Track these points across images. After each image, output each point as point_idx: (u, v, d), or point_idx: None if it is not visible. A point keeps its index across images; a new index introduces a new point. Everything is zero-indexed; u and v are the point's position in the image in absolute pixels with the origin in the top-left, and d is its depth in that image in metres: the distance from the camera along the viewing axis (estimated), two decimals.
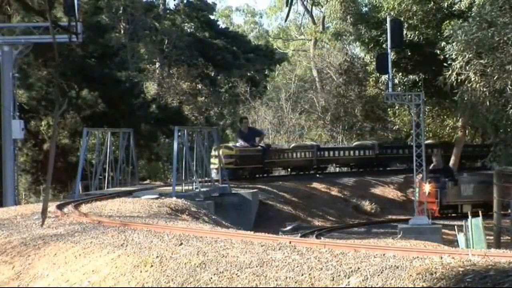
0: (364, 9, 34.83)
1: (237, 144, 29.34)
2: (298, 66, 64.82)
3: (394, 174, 36.46)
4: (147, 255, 8.68)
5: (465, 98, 27.22)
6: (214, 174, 24.81)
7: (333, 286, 6.48)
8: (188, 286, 7.44)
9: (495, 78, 25.41)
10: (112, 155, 25.05)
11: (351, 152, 36.93)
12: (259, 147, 29.76)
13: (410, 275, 6.23)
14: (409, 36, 30.54)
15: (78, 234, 11.45)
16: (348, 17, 33.39)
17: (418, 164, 25.96)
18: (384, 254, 7.77)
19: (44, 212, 12.03)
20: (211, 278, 7.35)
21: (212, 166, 24.87)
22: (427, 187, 26.61)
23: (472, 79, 25.85)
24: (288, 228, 24.61)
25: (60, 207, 15.66)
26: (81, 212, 14.87)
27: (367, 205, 30.88)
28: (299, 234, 21.23)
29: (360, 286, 6.33)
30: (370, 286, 6.26)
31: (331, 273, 6.71)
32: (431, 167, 28.02)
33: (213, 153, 25.39)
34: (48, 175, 12.38)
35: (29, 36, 27.54)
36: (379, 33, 31.83)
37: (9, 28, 28.98)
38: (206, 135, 24.04)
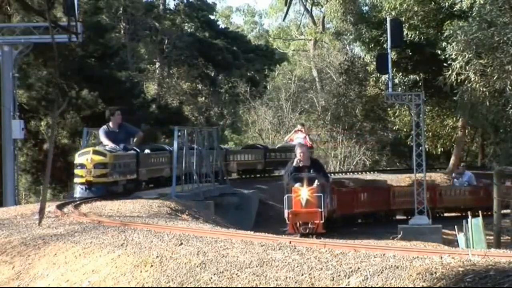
0: (365, 8, 34.85)
1: (107, 147, 18.51)
2: (298, 66, 64.83)
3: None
4: (147, 255, 8.68)
5: (465, 98, 27.23)
6: (79, 193, 17.57)
7: (333, 286, 6.48)
8: (188, 286, 7.44)
9: (495, 78, 25.42)
10: None
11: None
12: (132, 151, 19.58)
13: (410, 275, 6.24)
14: (409, 36, 30.55)
15: (78, 234, 11.45)
16: (349, 17, 33.41)
17: (418, 164, 25.96)
18: (384, 254, 7.77)
19: (41, 212, 12.06)
20: (211, 278, 7.35)
21: (77, 180, 17.69)
22: (304, 193, 16.03)
23: (472, 79, 25.85)
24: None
25: (60, 207, 15.65)
26: (81, 212, 14.86)
27: None
28: (299, 234, 21.14)
29: (360, 286, 6.33)
30: (370, 286, 6.26)
31: (331, 273, 6.72)
32: (294, 163, 16.40)
33: (79, 159, 17.69)
34: (46, 174, 12.40)
35: (29, 36, 27.54)
36: (379, 33, 31.84)
37: (9, 28, 28.97)
38: (206, 135, 24.03)
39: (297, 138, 23.62)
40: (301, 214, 15.82)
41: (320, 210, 15.53)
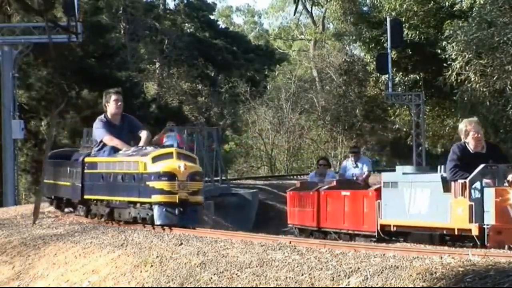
0: (365, 8, 34.87)
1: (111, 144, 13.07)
2: (298, 66, 64.84)
3: None
4: (147, 255, 8.68)
5: (465, 98, 27.23)
6: (163, 218, 11.36)
7: (333, 286, 6.48)
8: (188, 286, 7.44)
9: (495, 78, 25.42)
10: None
11: None
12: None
13: (410, 275, 6.24)
14: (409, 36, 30.55)
15: (78, 234, 11.46)
16: (349, 17, 33.42)
17: (418, 164, 25.97)
18: (384, 254, 7.77)
19: (35, 211, 12.10)
20: (211, 278, 7.35)
21: (157, 197, 11.56)
22: None
23: (472, 79, 25.86)
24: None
25: (60, 207, 15.67)
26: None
27: None
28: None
29: (360, 286, 6.33)
30: (370, 286, 6.27)
31: (331, 273, 6.72)
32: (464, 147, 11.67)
33: (159, 165, 11.47)
34: (42, 175, 12.42)
35: (29, 36, 27.59)
36: (379, 33, 31.84)
37: (9, 28, 29.01)
38: (206, 135, 24.05)
39: (169, 137, 18.51)
40: None
41: None
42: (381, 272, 6.47)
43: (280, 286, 6.76)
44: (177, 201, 11.07)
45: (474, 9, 26.82)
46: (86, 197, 13.16)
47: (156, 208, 11.15)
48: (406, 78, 32.58)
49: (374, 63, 31.26)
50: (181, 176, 11.12)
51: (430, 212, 11.67)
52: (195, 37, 52.67)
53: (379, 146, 47.41)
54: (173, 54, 50.78)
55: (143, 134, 12.99)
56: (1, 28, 28.89)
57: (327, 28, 59.70)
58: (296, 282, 6.72)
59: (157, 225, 11.10)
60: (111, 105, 13.04)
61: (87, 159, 13.23)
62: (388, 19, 27.20)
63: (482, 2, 26.22)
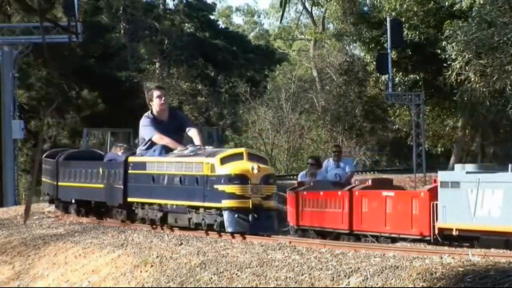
0: (365, 8, 34.88)
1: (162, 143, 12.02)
2: (298, 66, 64.83)
3: None
4: (147, 255, 8.68)
5: (465, 98, 27.25)
6: (234, 225, 10.27)
7: (333, 286, 6.48)
8: (188, 286, 7.44)
9: (495, 78, 25.43)
10: None
11: None
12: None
13: (410, 275, 6.24)
14: (409, 36, 30.55)
15: (78, 234, 11.45)
16: (349, 17, 33.43)
17: (418, 164, 25.96)
18: (384, 254, 7.77)
19: (27, 211, 11.96)
20: (211, 278, 7.35)
21: (227, 202, 10.46)
22: None
23: (472, 79, 25.87)
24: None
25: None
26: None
27: None
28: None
29: (360, 286, 6.33)
30: (370, 286, 6.27)
31: (331, 273, 6.72)
32: None
33: (228, 167, 10.35)
34: (33, 174, 12.40)
35: (29, 36, 27.60)
36: (379, 33, 31.84)
37: (9, 28, 29.02)
38: (206, 135, 24.04)
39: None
40: None
41: None
42: (381, 272, 6.47)
43: (280, 286, 6.76)
44: (250, 206, 9.99)
45: (474, 9, 26.82)
46: (130, 200, 12.00)
47: (226, 214, 10.01)
48: (406, 78, 32.58)
49: (374, 63, 31.27)
50: (254, 179, 10.07)
51: (505, 215, 10.56)
52: (195, 37, 52.68)
53: (379, 146, 47.37)
54: (173, 54, 50.79)
55: (194, 133, 11.87)
56: (1, 28, 28.90)
57: (327, 28, 59.69)
58: (296, 282, 6.72)
59: (228, 232, 9.93)
60: (155, 102, 11.98)
61: (132, 159, 12.07)
62: (388, 19, 27.20)
63: (482, 2, 26.23)
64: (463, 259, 7.16)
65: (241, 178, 10.04)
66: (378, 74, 33.94)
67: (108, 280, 8.60)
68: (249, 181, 10.04)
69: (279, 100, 51.77)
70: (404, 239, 12.52)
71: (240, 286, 7.01)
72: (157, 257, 8.49)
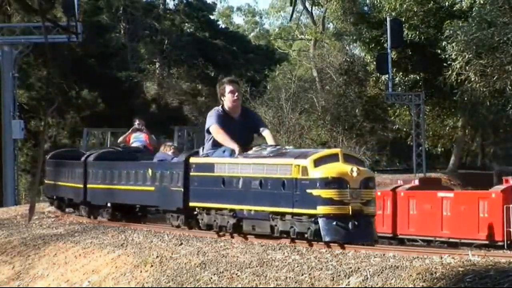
0: (365, 8, 34.88)
1: (217, 134, 10.79)
2: (298, 66, 64.84)
3: None
4: (147, 255, 8.68)
5: (465, 98, 27.25)
6: (331, 234, 9.37)
7: (333, 286, 6.49)
8: (188, 286, 7.44)
9: (495, 78, 25.44)
10: None
11: None
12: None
13: (410, 275, 6.24)
14: (409, 36, 30.56)
15: (78, 234, 11.45)
16: (349, 17, 33.44)
17: (418, 164, 25.96)
18: (384, 254, 7.78)
19: (31, 210, 11.85)
20: (211, 278, 7.35)
21: (323, 209, 9.46)
22: None
23: (472, 79, 25.87)
24: None
25: (60, 207, 15.66)
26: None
27: None
28: None
29: (360, 286, 6.34)
30: (370, 286, 6.27)
31: (331, 273, 6.72)
32: None
33: (324, 169, 9.39)
34: (37, 173, 12.38)
35: (29, 36, 27.58)
36: (379, 33, 31.85)
37: (9, 28, 29.02)
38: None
39: (136, 138, 16.67)
40: None
41: None
42: (381, 272, 6.47)
43: (280, 286, 6.76)
44: (350, 212, 9.04)
45: (474, 9, 26.82)
46: (192, 204, 10.93)
47: (323, 222, 9.02)
48: (406, 78, 32.59)
49: (374, 63, 31.29)
50: (353, 182, 9.12)
51: None
52: (195, 37, 52.68)
53: (379, 146, 47.37)
54: (173, 54, 50.79)
55: (268, 134, 10.79)
56: (1, 28, 28.90)
57: (327, 28, 59.70)
58: (296, 282, 6.72)
59: (326, 242, 8.89)
60: (227, 97, 10.73)
61: (194, 160, 11.01)
62: (388, 19, 27.20)
63: (482, 2, 26.23)
64: (463, 259, 7.16)
65: (339, 182, 9.09)
66: (378, 74, 33.96)
67: (108, 280, 8.60)
68: (348, 185, 9.09)
69: (279, 100, 51.77)
70: (467, 244, 11.30)
71: (240, 286, 7.01)
72: (157, 257, 8.49)
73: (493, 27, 25.19)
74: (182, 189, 11.06)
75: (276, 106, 51.94)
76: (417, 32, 31.07)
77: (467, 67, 25.73)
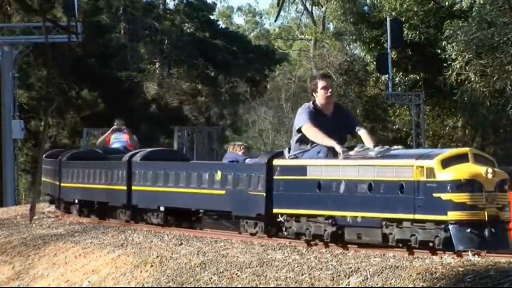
0: (365, 8, 34.87)
1: (311, 132, 9.93)
2: (298, 66, 64.87)
3: None
4: (147, 255, 8.68)
5: (465, 98, 27.24)
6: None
7: (333, 286, 6.49)
8: (188, 286, 7.44)
9: (495, 78, 25.43)
10: None
11: None
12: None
13: (410, 275, 6.24)
14: (409, 36, 30.55)
15: (78, 234, 11.46)
16: (349, 17, 33.43)
17: None
18: (384, 254, 7.77)
19: (32, 209, 11.83)
20: (211, 278, 7.35)
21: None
22: None
23: (472, 79, 25.86)
24: None
25: (59, 207, 15.66)
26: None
27: None
28: None
29: (360, 286, 6.34)
30: (370, 286, 6.27)
31: (331, 273, 6.72)
32: None
33: (417, 169, 8.54)
34: (38, 172, 12.37)
35: (29, 36, 27.60)
36: (379, 33, 31.85)
37: (9, 28, 29.03)
38: (206, 135, 24.05)
39: (116, 139, 16.15)
40: None
41: None
42: (381, 272, 6.47)
43: (280, 286, 6.76)
44: (486, 218, 8.13)
45: (474, 9, 26.80)
46: (276, 211, 9.94)
47: (455, 229, 8.08)
48: (406, 78, 32.57)
49: (374, 63, 31.29)
50: (488, 185, 8.22)
51: None
52: (195, 37, 52.66)
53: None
54: (173, 54, 50.78)
55: (364, 133, 10.05)
56: (1, 28, 28.90)
57: (327, 28, 59.73)
58: (296, 282, 6.72)
59: (458, 251, 8.00)
60: (320, 94, 10.02)
61: (279, 162, 10.14)
62: (388, 19, 27.19)
63: (482, 2, 26.21)
64: (463, 259, 7.16)
65: (473, 185, 8.19)
66: (378, 74, 33.94)
67: (108, 280, 8.60)
68: (483, 188, 8.19)
69: (279, 100, 51.84)
70: None
71: (240, 286, 7.01)
72: (157, 257, 8.49)
73: (493, 27, 25.17)
74: (264, 194, 10.13)
75: (276, 106, 52.01)
76: (417, 32, 31.05)
77: (467, 67, 25.72)
